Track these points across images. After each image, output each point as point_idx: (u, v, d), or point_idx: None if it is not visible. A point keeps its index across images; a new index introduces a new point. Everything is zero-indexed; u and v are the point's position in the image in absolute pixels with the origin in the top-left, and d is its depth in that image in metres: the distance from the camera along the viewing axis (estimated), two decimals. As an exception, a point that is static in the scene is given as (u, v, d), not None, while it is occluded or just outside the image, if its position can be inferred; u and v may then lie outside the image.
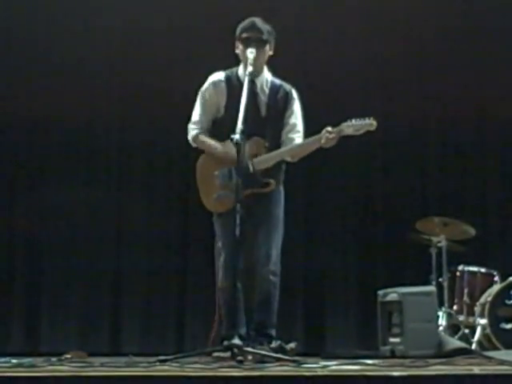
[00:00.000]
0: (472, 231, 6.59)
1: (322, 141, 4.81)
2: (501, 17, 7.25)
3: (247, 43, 4.90)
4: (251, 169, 4.80)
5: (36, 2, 7.19)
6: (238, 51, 5.00)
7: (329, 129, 4.81)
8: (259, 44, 4.90)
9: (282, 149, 4.94)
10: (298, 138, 5.01)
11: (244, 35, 4.94)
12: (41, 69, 7.13)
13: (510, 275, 6.32)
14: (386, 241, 7.23)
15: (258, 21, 4.98)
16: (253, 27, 4.94)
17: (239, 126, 4.44)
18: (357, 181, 7.35)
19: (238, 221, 4.34)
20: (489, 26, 7.26)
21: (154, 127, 7.22)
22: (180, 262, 7.17)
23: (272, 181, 4.89)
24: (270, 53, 5.02)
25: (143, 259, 7.17)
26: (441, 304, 6.32)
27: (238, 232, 4.35)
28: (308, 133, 5.00)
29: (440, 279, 6.54)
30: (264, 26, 4.96)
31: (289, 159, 5.04)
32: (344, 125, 4.80)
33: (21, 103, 7.16)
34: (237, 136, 4.42)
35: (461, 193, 7.28)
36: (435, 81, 7.29)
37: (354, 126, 4.79)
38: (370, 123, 4.81)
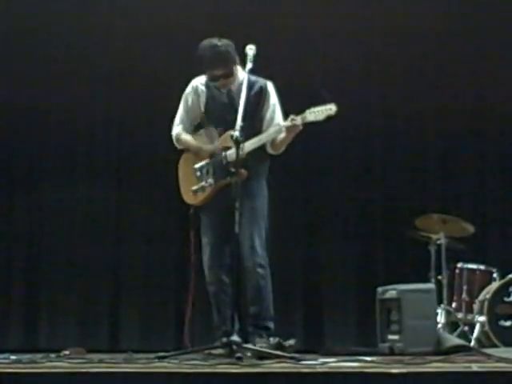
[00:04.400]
0: (471, 229, 6.58)
1: (286, 125, 4.93)
2: (501, 15, 7.24)
3: (214, 79, 5.10)
4: (224, 161, 4.93)
5: (36, 2, 7.18)
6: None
7: (293, 116, 4.93)
8: (226, 75, 5.08)
9: (251, 140, 4.98)
10: None
11: (210, 73, 5.10)
12: (40, 69, 7.12)
13: (508, 272, 6.32)
14: (385, 238, 7.23)
15: (219, 48, 5.08)
16: (215, 62, 5.06)
17: (238, 122, 4.58)
18: (356, 178, 7.34)
19: (237, 218, 4.40)
20: (489, 25, 7.24)
21: (153, 126, 7.21)
22: (179, 259, 7.16)
23: (241, 170, 4.85)
24: (238, 65, 5.14)
25: (142, 256, 7.18)
26: (440, 301, 6.32)
27: (237, 229, 4.40)
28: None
29: (439, 276, 6.54)
30: (226, 55, 5.08)
31: (271, 151, 5.16)
32: (307, 111, 4.91)
33: (20, 102, 7.16)
34: (236, 133, 4.54)
35: (460, 190, 7.27)
36: (435, 80, 7.28)
37: (315, 112, 4.89)
38: (329, 108, 4.88)
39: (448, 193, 7.26)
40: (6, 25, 7.18)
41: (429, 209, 6.82)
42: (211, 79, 5.12)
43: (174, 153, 7.04)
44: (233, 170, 4.75)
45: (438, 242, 6.61)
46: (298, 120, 4.90)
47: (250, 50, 4.91)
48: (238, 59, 5.12)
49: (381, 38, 7.31)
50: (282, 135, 5.01)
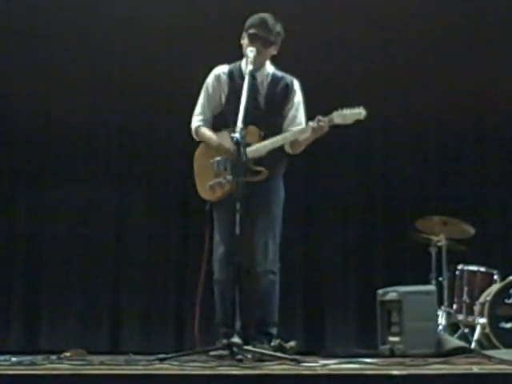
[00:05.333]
0: (472, 230, 6.58)
1: (313, 125, 4.84)
2: (502, 16, 7.25)
3: (253, 39, 4.94)
4: (244, 158, 4.72)
5: (36, 2, 7.19)
6: (242, 43, 5.02)
7: (320, 117, 4.84)
8: (265, 43, 4.95)
9: (275, 137, 4.92)
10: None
11: (251, 31, 4.97)
12: (41, 69, 7.12)
13: (509, 274, 6.32)
14: (386, 240, 7.23)
15: (270, 19, 5.01)
16: (262, 25, 4.97)
17: (239, 125, 4.49)
18: (357, 179, 7.34)
19: (237, 219, 4.36)
20: (489, 25, 7.26)
21: (153, 126, 7.21)
22: (180, 261, 7.17)
23: (264, 169, 4.87)
24: (274, 53, 5.06)
25: (143, 257, 7.17)
26: (440, 303, 6.32)
27: (238, 230, 4.36)
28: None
29: (440, 278, 6.54)
30: (274, 26, 5.00)
31: (289, 151, 5.06)
32: (334, 113, 4.83)
33: (20, 103, 7.16)
34: (237, 135, 4.47)
35: (460, 192, 7.27)
36: (435, 80, 7.28)
37: (343, 115, 4.83)
38: (358, 112, 4.83)
39: (448, 194, 7.26)
40: (6, 26, 7.18)
41: (429, 210, 6.82)
42: (251, 38, 4.93)
43: (174, 153, 7.08)
44: (253, 168, 4.74)
45: (439, 243, 6.61)
46: (325, 122, 4.82)
47: (251, 51, 4.88)
48: (279, 44, 5.02)
49: (381, 39, 7.31)
50: (306, 135, 4.92)
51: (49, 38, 7.18)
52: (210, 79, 5.12)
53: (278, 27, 5.03)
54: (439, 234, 6.59)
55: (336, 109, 4.84)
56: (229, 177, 4.86)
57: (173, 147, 7.06)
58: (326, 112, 4.88)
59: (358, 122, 4.86)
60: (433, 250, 6.64)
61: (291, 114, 5.04)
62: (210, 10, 7.12)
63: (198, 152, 5.14)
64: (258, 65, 4.94)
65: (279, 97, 5.03)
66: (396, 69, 7.29)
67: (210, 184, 4.98)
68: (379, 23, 7.27)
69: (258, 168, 4.88)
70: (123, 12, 7.18)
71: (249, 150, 4.77)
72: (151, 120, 7.21)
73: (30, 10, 7.15)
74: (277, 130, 4.99)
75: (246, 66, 4.88)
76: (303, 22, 7.12)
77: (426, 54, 7.31)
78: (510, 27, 7.26)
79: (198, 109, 5.14)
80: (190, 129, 5.17)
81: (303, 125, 5.01)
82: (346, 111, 4.82)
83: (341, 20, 7.21)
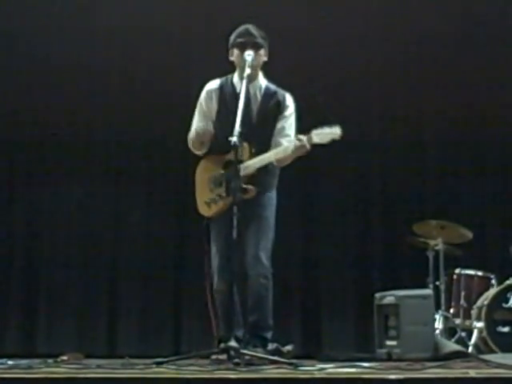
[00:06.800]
0: (469, 234, 6.58)
1: (292, 147, 4.81)
2: (501, 20, 7.26)
3: (243, 47, 4.95)
4: (237, 172, 4.74)
5: (36, 3, 7.19)
6: (232, 58, 5.04)
7: (300, 136, 4.82)
8: (254, 47, 4.95)
9: (261, 156, 4.90)
10: (285, 141, 4.99)
11: (239, 40, 4.99)
12: (40, 68, 7.14)
13: (506, 278, 6.33)
14: (383, 244, 7.23)
15: (252, 27, 5.04)
16: (247, 33, 5.00)
17: (237, 128, 4.48)
18: (355, 183, 7.35)
19: (235, 223, 4.36)
20: (489, 29, 7.26)
21: (153, 127, 7.22)
22: (177, 264, 7.17)
23: (251, 187, 4.85)
24: (265, 58, 5.05)
25: (140, 261, 7.17)
26: (438, 307, 6.32)
27: (235, 234, 4.37)
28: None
29: (437, 282, 6.54)
30: (258, 32, 5.02)
31: (275, 164, 5.04)
32: (313, 132, 4.78)
33: (20, 102, 7.17)
34: (234, 138, 4.46)
35: (458, 196, 7.27)
36: (435, 82, 7.29)
37: (320, 134, 4.76)
38: (334, 132, 4.75)
39: (446, 198, 7.26)
40: (6, 28, 7.19)
41: (427, 214, 6.82)
42: (240, 46, 4.94)
43: (173, 154, 7.08)
44: (244, 186, 4.71)
45: (436, 247, 6.61)
46: (305, 141, 4.77)
47: (249, 55, 4.88)
48: (267, 49, 5.01)
49: (381, 43, 7.32)
50: (287, 154, 4.87)
51: (49, 39, 7.18)
52: (202, 96, 5.12)
53: (262, 32, 5.04)
54: (437, 238, 6.59)
55: (315, 126, 4.77)
56: (222, 193, 4.89)
57: (171, 148, 7.06)
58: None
59: (334, 141, 4.77)
60: (430, 254, 6.63)
61: (279, 125, 5.03)
62: (211, 12, 7.12)
63: (198, 168, 5.16)
64: (253, 73, 4.93)
65: (271, 113, 5.03)
66: (395, 73, 7.29)
67: (205, 200, 5.01)
68: (379, 27, 7.28)
69: (247, 186, 4.83)
70: (123, 13, 7.18)
71: (242, 166, 4.74)
72: (150, 120, 7.21)
73: (30, 11, 7.15)
74: (267, 144, 4.99)
75: (240, 75, 4.93)
76: (303, 22, 7.14)
77: (425, 57, 7.31)
78: (509, 33, 7.27)
79: (191, 127, 5.11)
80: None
81: (290, 137, 4.99)
82: (323, 130, 4.75)
83: (340, 24, 7.21)
